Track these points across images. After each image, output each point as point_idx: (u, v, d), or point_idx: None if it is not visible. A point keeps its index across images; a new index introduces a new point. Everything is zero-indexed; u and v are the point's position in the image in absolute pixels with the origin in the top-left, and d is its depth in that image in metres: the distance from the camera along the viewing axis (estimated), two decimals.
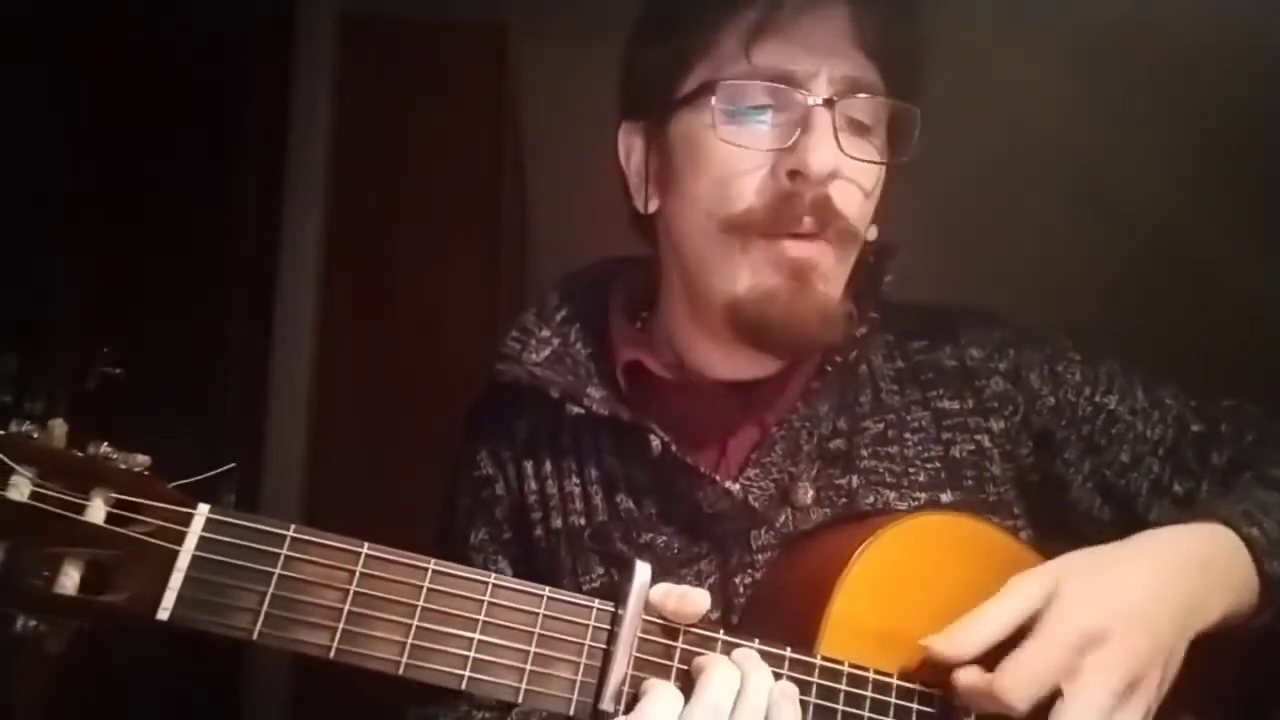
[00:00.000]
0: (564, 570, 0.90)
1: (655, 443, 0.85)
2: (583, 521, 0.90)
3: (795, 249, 0.81)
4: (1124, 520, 0.86)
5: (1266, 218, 2.15)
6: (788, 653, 0.70)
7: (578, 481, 0.91)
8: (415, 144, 1.99)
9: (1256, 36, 1.89)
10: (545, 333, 0.93)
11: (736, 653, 0.68)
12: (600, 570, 0.89)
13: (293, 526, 0.64)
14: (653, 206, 0.89)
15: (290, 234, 1.92)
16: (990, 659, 0.72)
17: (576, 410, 0.87)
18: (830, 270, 0.83)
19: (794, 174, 0.80)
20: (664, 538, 0.88)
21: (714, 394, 0.90)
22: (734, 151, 0.81)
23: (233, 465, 0.68)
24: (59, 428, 0.63)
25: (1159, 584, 0.74)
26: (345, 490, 1.86)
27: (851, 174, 0.82)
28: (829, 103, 0.80)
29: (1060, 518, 0.89)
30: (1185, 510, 0.83)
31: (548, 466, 0.92)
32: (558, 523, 0.91)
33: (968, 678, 0.71)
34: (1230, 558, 0.77)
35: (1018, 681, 0.69)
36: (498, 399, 0.96)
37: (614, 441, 0.90)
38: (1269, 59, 1.90)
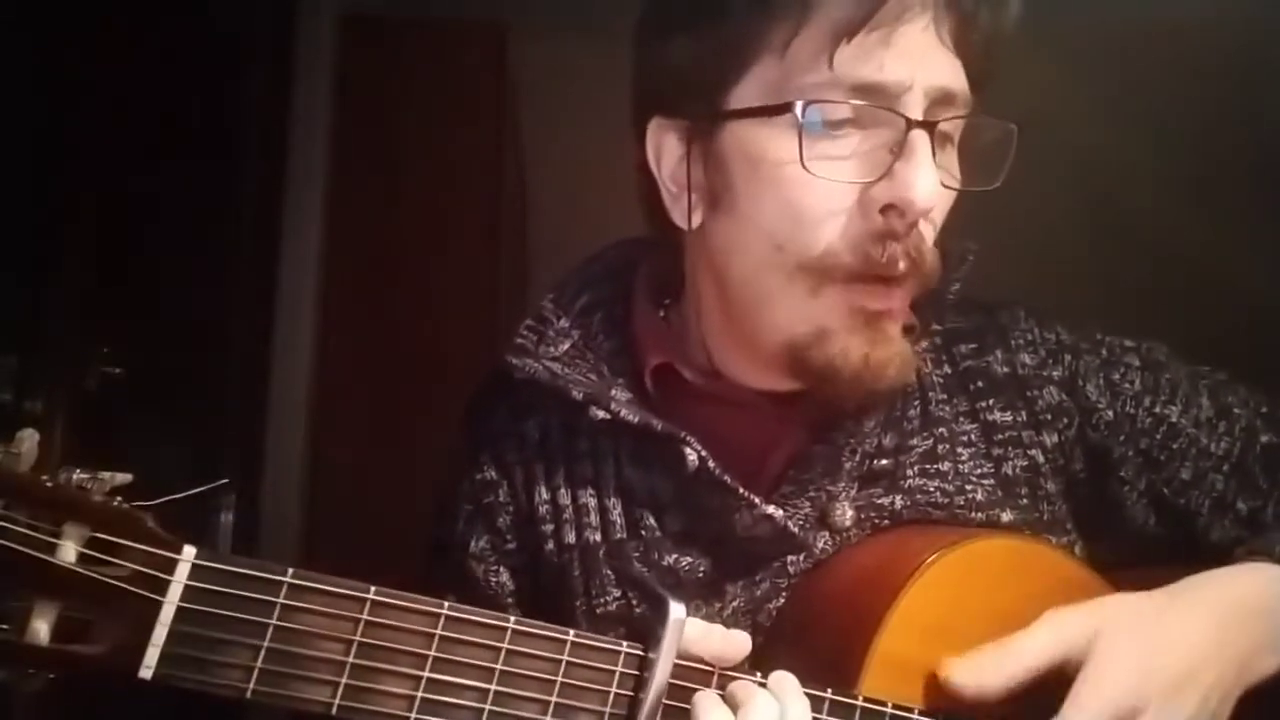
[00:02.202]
0: (575, 590, 0.81)
1: (691, 456, 0.75)
2: (598, 538, 0.81)
3: (877, 301, 0.71)
4: (1181, 537, 0.81)
5: (1266, 218, 2.15)
6: (828, 694, 0.65)
7: (593, 492, 0.82)
8: (415, 144, 1.99)
9: (1257, 37, 1.89)
10: (564, 323, 0.83)
11: (773, 679, 0.64)
12: (616, 593, 0.80)
13: (290, 571, 0.58)
14: (696, 222, 0.76)
15: (290, 234, 1.92)
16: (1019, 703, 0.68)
17: (601, 415, 0.77)
18: (904, 312, 0.74)
19: (888, 209, 0.69)
20: (688, 560, 0.79)
21: (750, 403, 0.80)
22: (815, 178, 0.69)
23: (225, 481, 0.64)
24: (29, 439, 0.55)
25: (1206, 644, 0.69)
26: (345, 490, 1.86)
27: (941, 200, 0.72)
28: (928, 125, 0.68)
29: (1107, 528, 0.83)
30: (1248, 530, 0.79)
31: (561, 474, 0.83)
32: (570, 538, 0.82)
33: None
34: None
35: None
36: (503, 394, 0.86)
37: (636, 450, 0.80)
38: (1269, 59, 1.90)
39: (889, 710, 0.66)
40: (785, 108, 0.68)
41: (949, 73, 0.70)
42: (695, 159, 0.75)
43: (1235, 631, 0.70)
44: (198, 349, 1.66)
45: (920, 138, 0.68)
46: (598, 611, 0.80)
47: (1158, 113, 2.11)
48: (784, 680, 0.63)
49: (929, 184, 0.68)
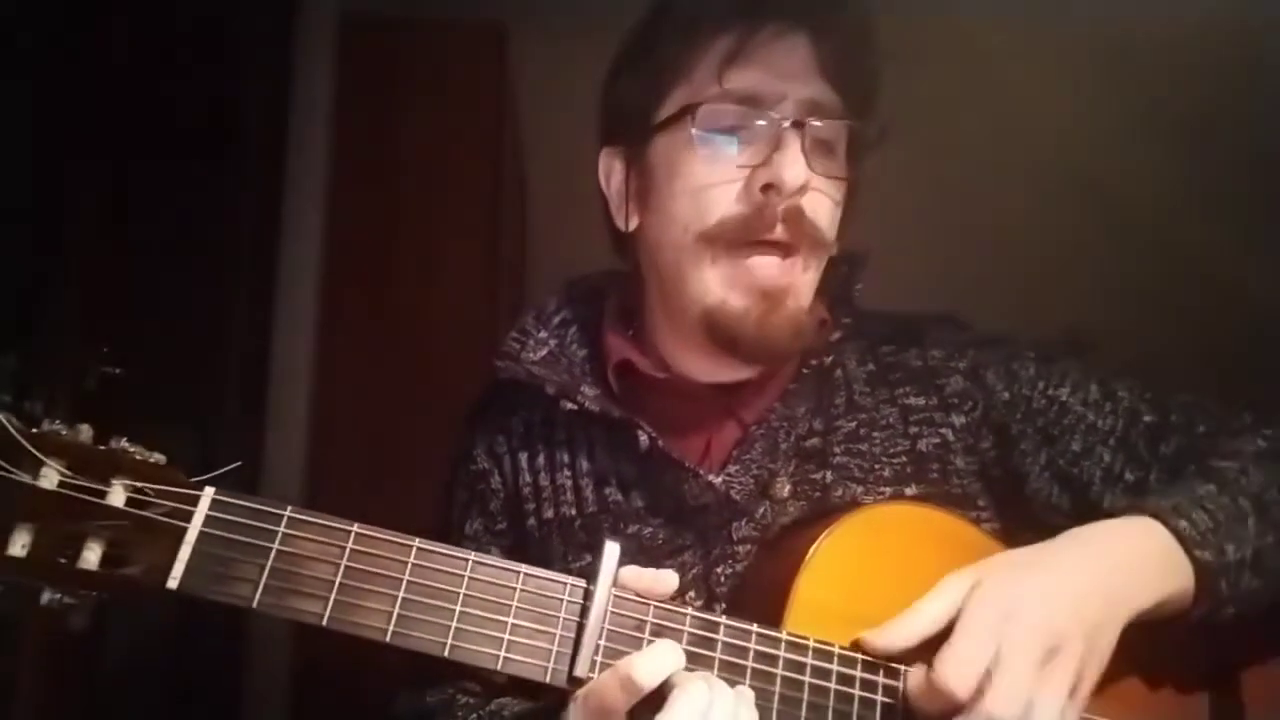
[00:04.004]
0: (555, 557, 0.95)
1: (643, 438, 0.91)
2: (574, 512, 0.96)
3: (762, 269, 0.88)
4: (1081, 508, 0.91)
5: (1266, 218, 2.15)
6: (754, 628, 0.76)
7: (569, 474, 0.97)
8: (415, 144, 1.99)
9: (1257, 37, 1.89)
10: (543, 334, 0.99)
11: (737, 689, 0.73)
12: (589, 558, 0.93)
13: (289, 508, 0.71)
14: (633, 224, 0.95)
15: (290, 234, 1.92)
16: (931, 655, 0.76)
17: (570, 406, 0.93)
18: (798, 283, 0.89)
19: (768, 188, 0.87)
20: (650, 529, 0.94)
21: (698, 395, 0.95)
22: (710, 168, 0.88)
23: (239, 464, 0.75)
24: (85, 431, 0.71)
25: (1077, 569, 0.78)
26: (345, 490, 1.86)
27: (820, 187, 0.89)
28: (797, 124, 0.87)
29: (1024, 509, 0.94)
30: (1136, 497, 0.87)
31: (541, 459, 0.98)
32: (550, 513, 0.97)
33: (912, 680, 0.76)
34: (1162, 550, 0.80)
35: (952, 672, 0.73)
36: (495, 396, 1.02)
37: (605, 437, 0.95)
38: (1269, 60, 1.90)
39: (811, 643, 0.77)
40: (686, 110, 0.89)
41: (818, 90, 0.89)
42: (632, 175, 0.94)
43: (1105, 565, 0.79)
44: (198, 349, 1.66)
45: (791, 134, 0.87)
46: (573, 574, 0.92)
47: (1158, 113, 2.11)
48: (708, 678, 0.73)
49: (798, 168, 0.86)
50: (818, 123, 0.88)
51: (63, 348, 1.28)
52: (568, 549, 0.96)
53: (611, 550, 0.74)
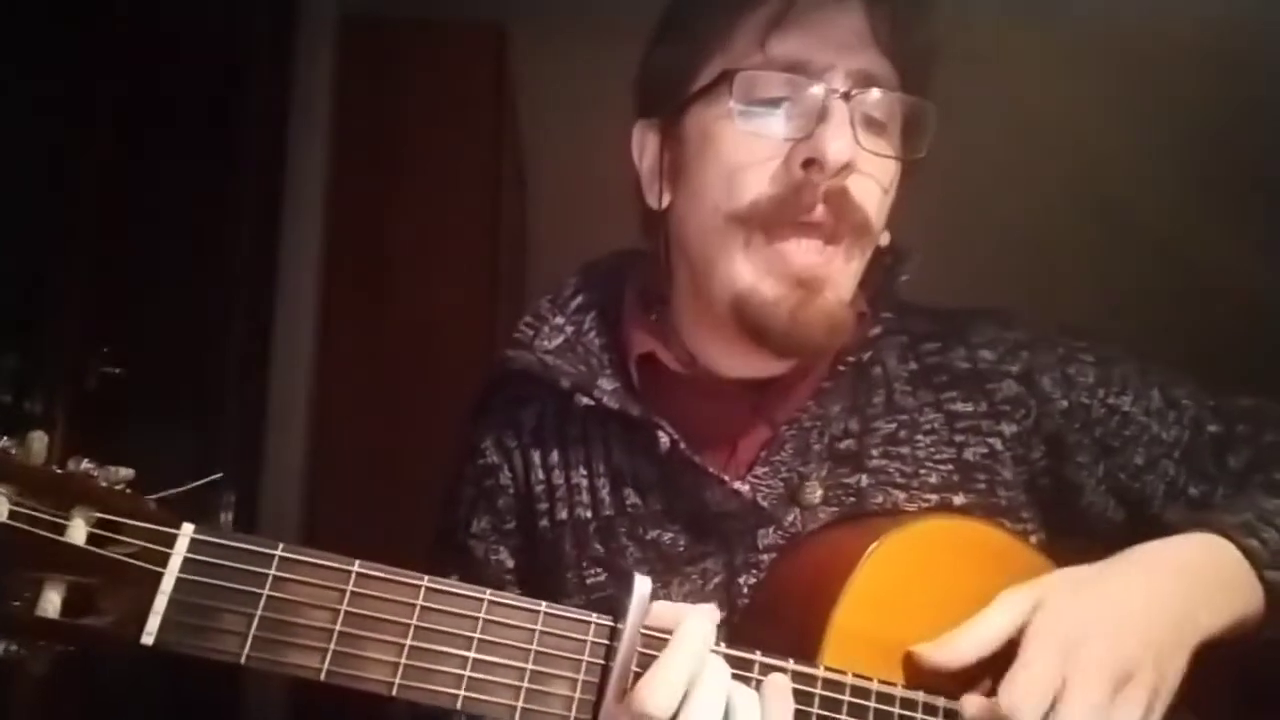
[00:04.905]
0: (567, 563, 0.88)
1: (664, 440, 0.84)
2: (589, 514, 0.88)
3: (799, 255, 0.80)
4: (1138, 522, 0.86)
5: (1266, 218, 2.15)
6: (790, 665, 0.69)
7: (585, 473, 0.89)
8: (415, 144, 1.99)
9: (1258, 37, 1.89)
10: (559, 320, 0.92)
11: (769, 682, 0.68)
12: (602, 572, 0.88)
13: (281, 545, 0.62)
14: (665, 202, 0.87)
15: (290, 234, 1.92)
16: (985, 676, 0.72)
17: (586, 402, 0.86)
18: (839, 273, 0.81)
19: (809, 163, 0.78)
20: (670, 535, 0.86)
21: (725, 392, 0.88)
22: (749, 142, 0.80)
23: (219, 475, 0.66)
24: (38, 441, 0.60)
25: (1145, 592, 0.73)
26: (345, 491, 1.86)
27: (868, 169, 0.80)
28: (846, 95, 0.79)
29: (1073, 521, 0.88)
30: (1200, 512, 0.82)
31: (555, 456, 0.90)
32: (563, 514, 0.89)
33: (974, 706, 0.71)
34: (1232, 569, 0.76)
35: (1019, 698, 0.69)
36: (504, 386, 0.94)
37: (623, 435, 0.88)
38: (1270, 59, 1.90)
39: (849, 681, 0.70)
40: (724, 77, 0.80)
41: (871, 60, 0.81)
42: (666, 149, 0.87)
43: (1175, 586, 0.74)
44: (198, 349, 1.66)
45: (838, 105, 0.78)
46: (588, 581, 0.87)
47: (1159, 113, 2.11)
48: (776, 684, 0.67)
49: (843, 141, 0.77)
50: (870, 95, 0.80)
51: (63, 348, 1.28)
52: (581, 555, 0.88)
53: (642, 585, 0.65)
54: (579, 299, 0.93)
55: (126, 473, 0.61)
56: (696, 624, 0.65)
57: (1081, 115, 2.14)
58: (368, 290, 1.97)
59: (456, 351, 1.86)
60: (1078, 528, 0.88)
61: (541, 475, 0.91)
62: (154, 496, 0.62)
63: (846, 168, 0.78)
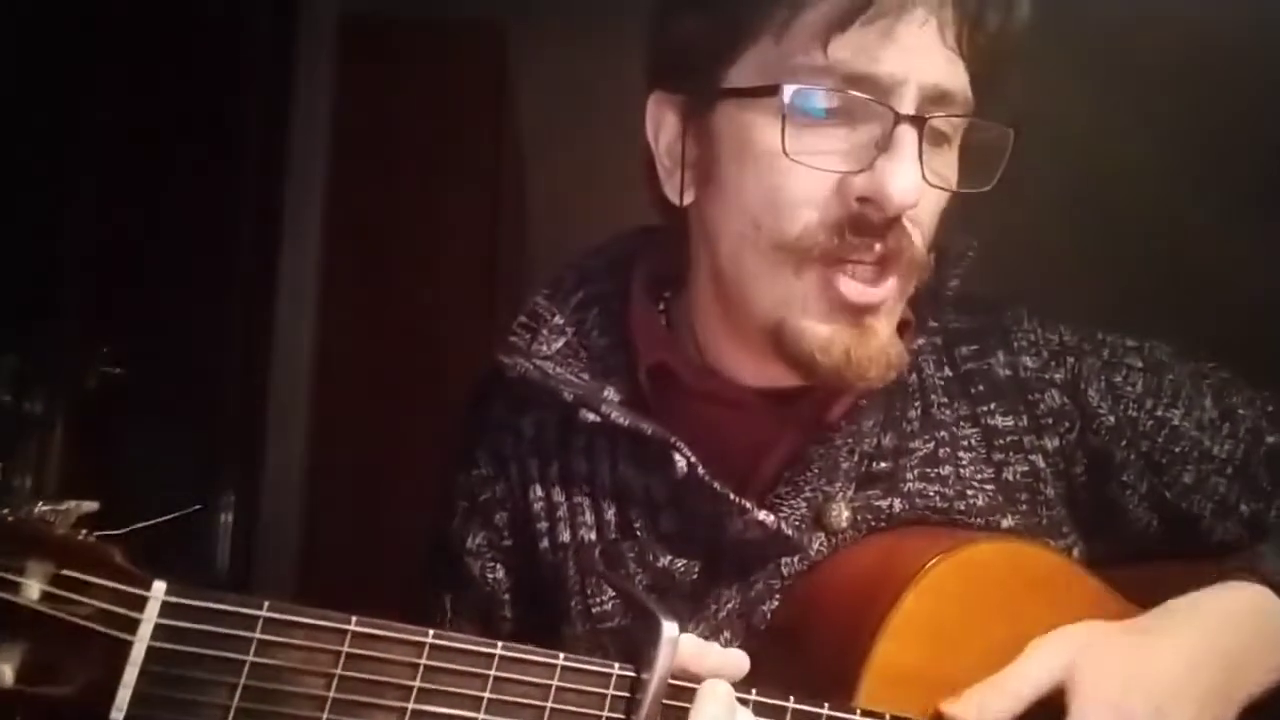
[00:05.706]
0: (571, 590, 0.81)
1: (680, 462, 0.75)
2: (593, 537, 0.81)
3: (857, 292, 0.70)
4: (1181, 540, 0.81)
5: (1266, 218, 2.15)
6: (825, 710, 0.64)
7: (588, 491, 0.81)
8: (415, 144, 1.99)
9: (1258, 36, 1.89)
10: (558, 319, 0.83)
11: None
12: (612, 594, 0.80)
13: (266, 605, 0.55)
14: (688, 199, 0.77)
15: (290, 234, 1.92)
16: None
17: (592, 418, 0.77)
18: (893, 308, 0.74)
19: (865, 200, 0.68)
20: (683, 562, 0.79)
21: (746, 402, 0.79)
22: (795, 162, 0.69)
23: (198, 507, 0.61)
24: None
25: (1194, 650, 0.70)
26: (345, 491, 1.86)
27: (928, 197, 0.71)
28: (918, 120, 0.67)
29: (1111, 531, 0.83)
30: (1250, 532, 0.79)
31: (555, 470, 0.82)
32: (565, 536, 0.81)
33: None
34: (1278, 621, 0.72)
35: None
36: (500, 391, 0.85)
37: (632, 449, 0.79)
38: (1270, 59, 1.90)
39: None
40: (773, 89, 0.68)
41: (947, 72, 0.69)
42: (690, 136, 0.75)
43: (1224, 651, 0.70)
44: (198, 349, 1.66)
45: (907, 133, 0.67)
46: (593, 610, 0.80)
47: (1158, 112, 2.11)
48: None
49: (909, 180, 0.67)
50: (941, 119, 0.69)
51: (63, 348, 1.28)
52: (586, 581, 0.80)
53: (670, 634, 0.59)
54: (580, 293, 0.85)
55: (89, 506, 0.54)
56: (711, 704, 0.60)
57: (1081, 115, 2.14)
58: (368, 289, 1.97)
59: (457, 351, 1.85)
60: (1115, 536, 0.83)
61: (540, 491, 0.83)
62: (129, 529, 0.55)
63: (909, 208, 0.69)
